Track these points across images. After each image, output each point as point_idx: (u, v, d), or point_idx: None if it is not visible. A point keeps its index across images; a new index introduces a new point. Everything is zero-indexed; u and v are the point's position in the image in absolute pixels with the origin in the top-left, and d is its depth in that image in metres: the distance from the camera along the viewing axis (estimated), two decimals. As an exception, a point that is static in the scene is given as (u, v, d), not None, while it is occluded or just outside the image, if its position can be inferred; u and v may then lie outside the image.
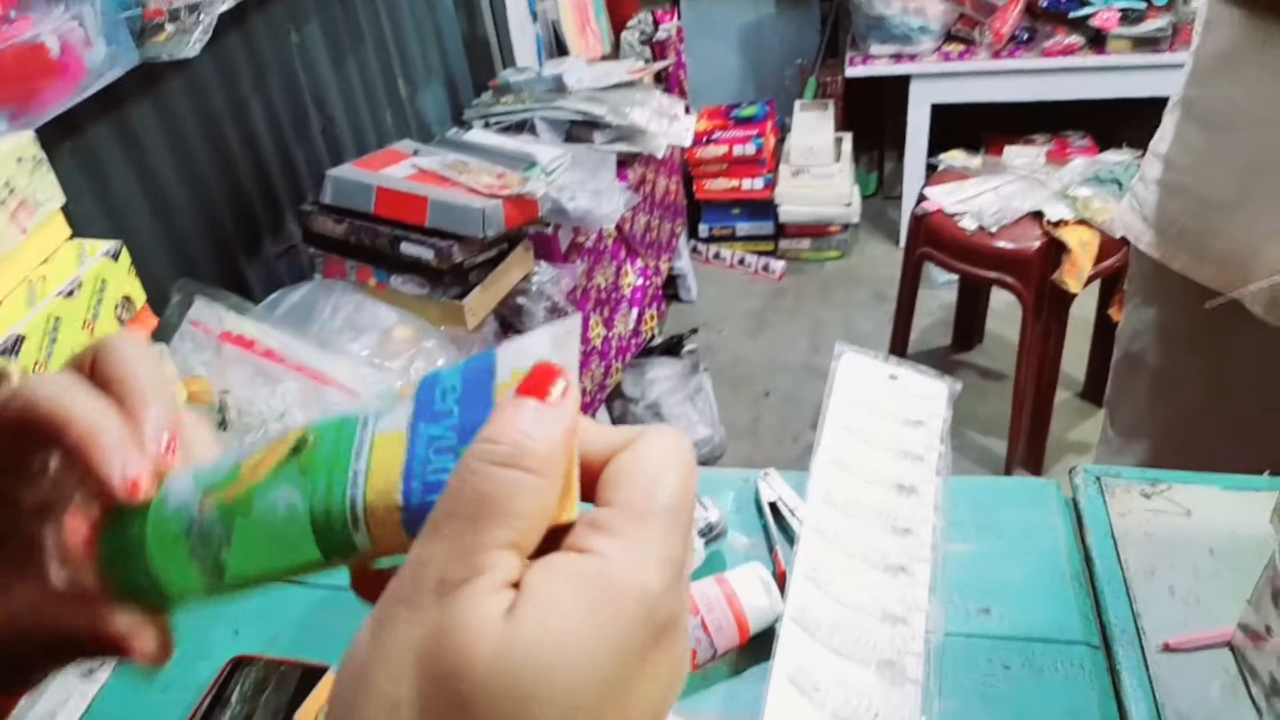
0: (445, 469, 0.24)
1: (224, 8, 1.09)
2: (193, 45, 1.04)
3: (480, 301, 1.43)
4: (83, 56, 0.98)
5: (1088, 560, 0.73)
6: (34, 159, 0.76)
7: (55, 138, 1.11)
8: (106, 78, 1.01)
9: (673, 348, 2.41)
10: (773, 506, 0.80)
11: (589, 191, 1.66)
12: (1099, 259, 1.77)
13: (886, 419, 0.82)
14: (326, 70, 1.70)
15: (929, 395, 0.84)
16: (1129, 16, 2.43)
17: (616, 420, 2.20)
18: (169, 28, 1.04)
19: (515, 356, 0.25)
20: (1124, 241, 1.34)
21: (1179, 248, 1.04)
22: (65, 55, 0.96)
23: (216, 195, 1.44)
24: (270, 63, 1.54)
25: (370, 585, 0.24)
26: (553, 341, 0.25)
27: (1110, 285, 1.97)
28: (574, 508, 0.24)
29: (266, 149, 1.55)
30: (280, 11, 1.55)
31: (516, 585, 0.22)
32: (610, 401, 2.18)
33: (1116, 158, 1.91)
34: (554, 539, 0.23)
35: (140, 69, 1.11)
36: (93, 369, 0.30)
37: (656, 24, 2.63)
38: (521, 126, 1.97)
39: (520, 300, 1.56)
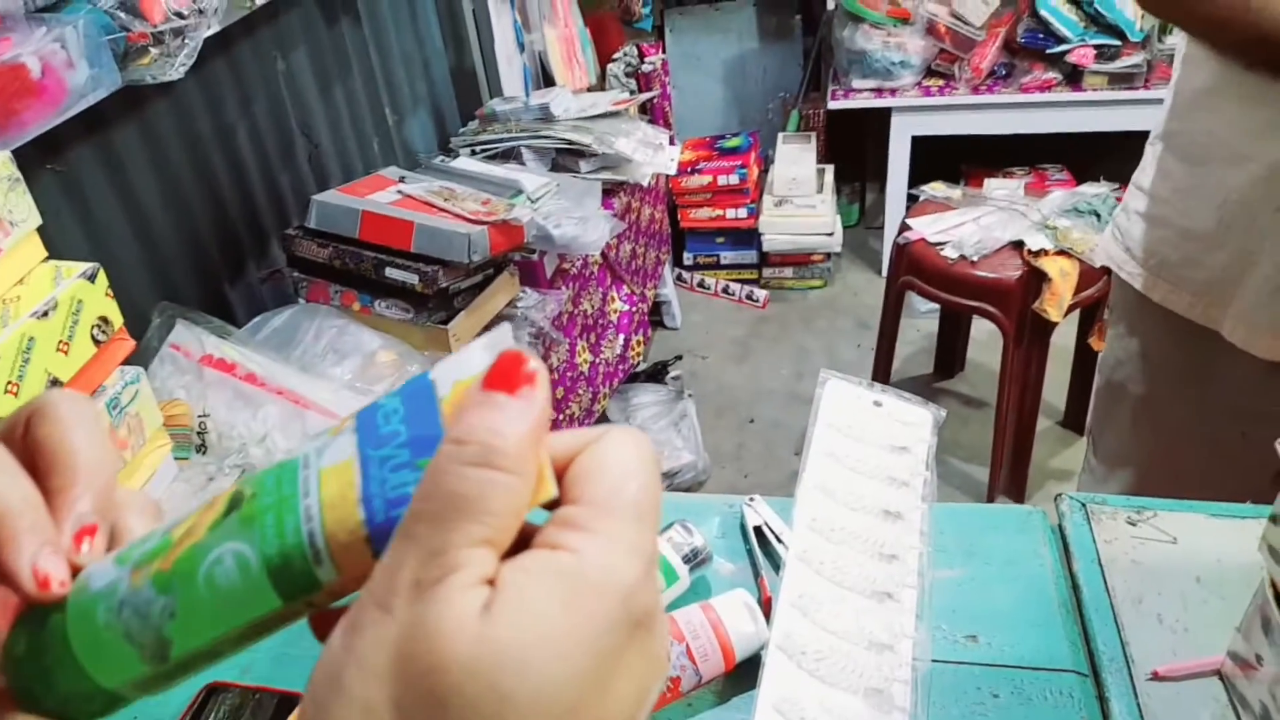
0: (405, 483, 0.23)
1: (209, 33, 1.09)
2: (176, 69, 1.04)
3: (465, 326, 1.43)
4: (64, 78, 0.98)
5: (1075, 588, 0.73)
6: (9, 178, 0.75)
7: (36, 159, 1.10)
8: (88, 99, 1.01)
9: (657, 374, 2.41)
10: (758, 532, 0.79)
11: (574, 219, 1.67)
12: (1079, 289, 1.79)
13: (871, 445, 0.82)
14: (314, 97, 1.70)
15: (913, 422, 0.84)
16: (1105, 53, 2.48)
17: (600, 448, 2.19)
18: (153, 51, 1.04)
19: (454, 370, 0.24)
20: (1104, 271, 1.36)
21: (1159, 278, 1.05)
22: (46, 76, 0.95)
23: (200, 219, 1.43)
24: (256, 89, 1.54)
25: (328, 625, 0.23)
26: (487, 351, 0.24)
27: (1090, 314, 1.99)
28: (547, 496, 0.23)
29: (252, 174, 1.54)
30: (267, 38, 1.56)
31: (492, 582, 0.21)
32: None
33: (1095, 190, 1.94)
34: (523, 534, 0.23)
35: (124, 92, 1.11)
36: (25, 431, 0.28)
37: (642, 57, 2.66)
38: (508, 155, 1.98)
39: (505, 325, 1.55)
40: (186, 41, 1.03)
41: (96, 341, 0.79)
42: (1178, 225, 1.02)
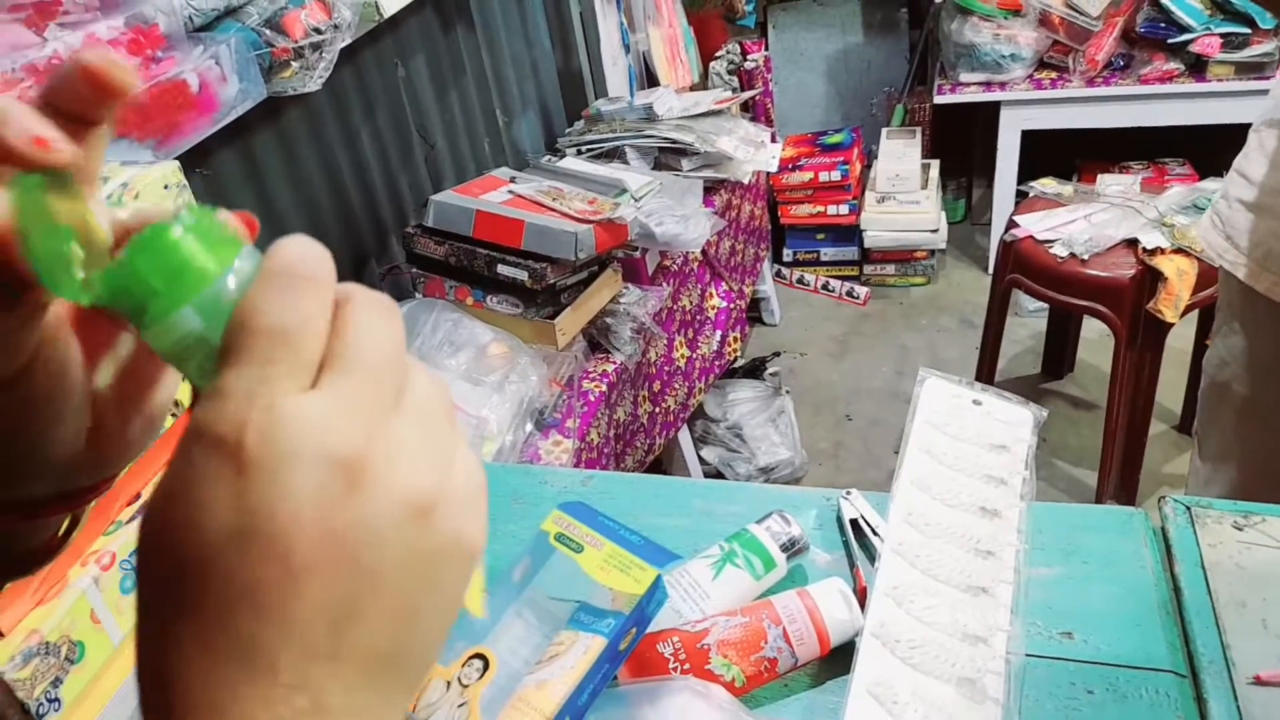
0: None
1: (344, 44, 1.17)
2: (315, 80, 1.12)
3: (570, 321, 1.49)
4: (218, 92, 1.07)
5: (1176, 590, 0.73)
6: (178, 185, 0.84)
7: (188, 164, 1.21)
8: (237, 111, 1.10)
9: (755, 370, 2.43)
10: (854, 525, 0.82)
11: (676, 217, 1.71)
12: (1198, 288, 1.72)
13: (970, 443, 0.83)
14: (430, 101, 1.79)
15: (1014, 421, 0.84)
16: (1231, 42, 2.36)
17: (698, 440, 2.23)
18: (294, 65, 1.13)
19: None
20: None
21: (1265, 269, 1.02)
22: (203, 91, 1.05)
23: (328, 218, 1.53)
24: (379, 94, 1.64)
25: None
26: None
27: (1209, 315, 1.91)
28: None
29: (374, 175, 1.64)
30: (389, 46, 1.65)
31: None
32: (692, 421, 2.20)
33: (1215, 185, 1.86)
34: None
35: (265, 101, 1.20)
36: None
37: (745, 54, 2.68)
38: (612, 154, 2.03)
39: (608, 320, 1.61)
40: (324, 55, 1.11)
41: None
42: None
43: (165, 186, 0.82)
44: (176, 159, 0.99)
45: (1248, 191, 1.04)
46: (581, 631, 0.63)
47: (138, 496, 0.73)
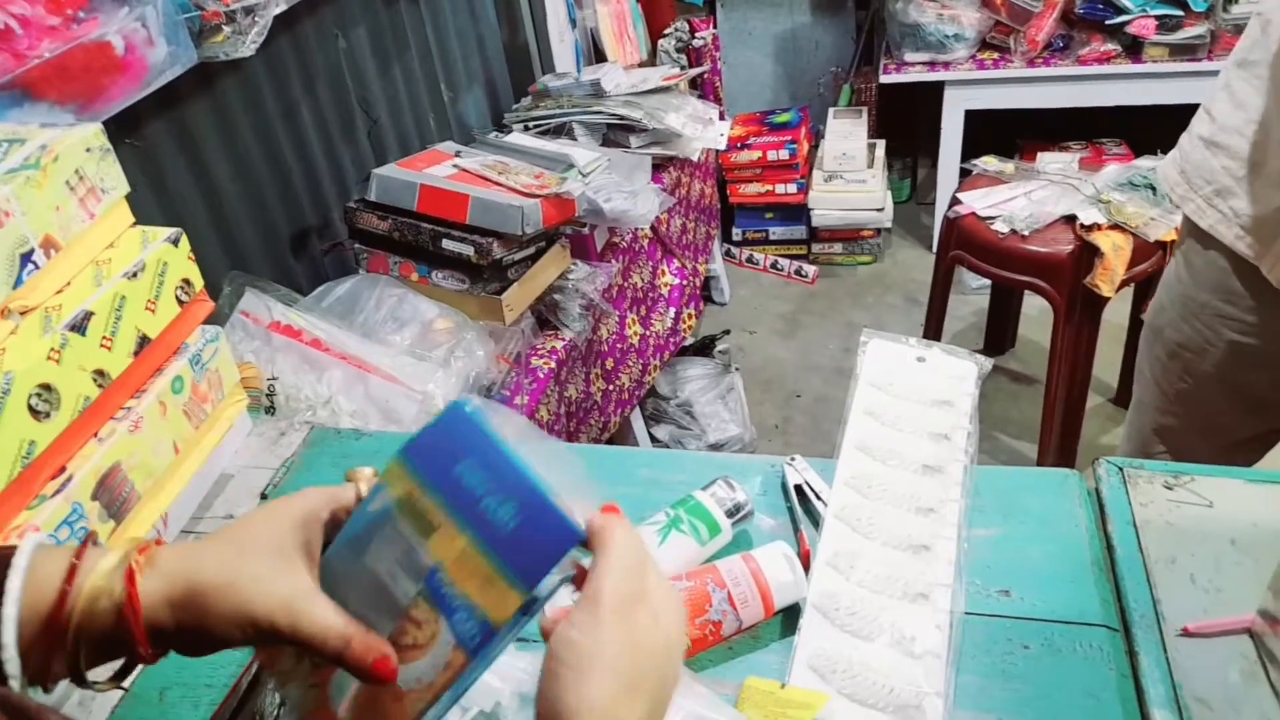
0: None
1: (278, 10, 1.14)
2: (248, 45, 1.09)
3: (517, 296, 1.47)
4: (145, 55, 1.03)
5: (1109, 548, 0.75)
6: (101, 148, 0.80)
7: (117, 133, 1.16)
8: (167, 75, 1.06)
9: (705, 348, 2.43)
10: (799, 490, 0.82)
11: (625, 193, 1.69)
12: (1132, 263, 1.77)
13: (914, 402, 0.84)
14: (372, 74, 1.75)
15: (958, 375, 0.85)
16: (1166, 24, 2.42)
17: (649, 418, 2.23)
18: (226, 29, 1.09)
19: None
20: (1158, 246, 1.34)
21: (1212, 205, 1.05)
22: (129, 54, 1.01)
23: (267, 192, 1.49)
24: (319, 66, 1.59)
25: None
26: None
27: (1144, 290, 1.97)
28: None
29: (315, 149, 1.60)
30: (329, 17, 1.61)
31: None
32: (643, 400, 2.20)
33: (1150, 163, 1.90)
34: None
35: (197, 70, 1.16)
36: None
37: (693, 32, 2.66)
38: (559, 130, 2.01)
39: (556, 297, 1.59)
40: (257, 19, 1.08)
41: (180, 302, 0.85)
42: (1244, 156, 1.01)
43: (87, 150, 0.79)
44: (102, 125, 0.95)
45: (1208, 128, 1.06)
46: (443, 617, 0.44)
47: (62, 470, 0.71)
